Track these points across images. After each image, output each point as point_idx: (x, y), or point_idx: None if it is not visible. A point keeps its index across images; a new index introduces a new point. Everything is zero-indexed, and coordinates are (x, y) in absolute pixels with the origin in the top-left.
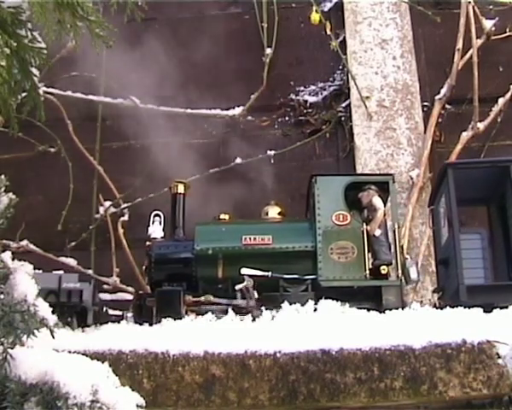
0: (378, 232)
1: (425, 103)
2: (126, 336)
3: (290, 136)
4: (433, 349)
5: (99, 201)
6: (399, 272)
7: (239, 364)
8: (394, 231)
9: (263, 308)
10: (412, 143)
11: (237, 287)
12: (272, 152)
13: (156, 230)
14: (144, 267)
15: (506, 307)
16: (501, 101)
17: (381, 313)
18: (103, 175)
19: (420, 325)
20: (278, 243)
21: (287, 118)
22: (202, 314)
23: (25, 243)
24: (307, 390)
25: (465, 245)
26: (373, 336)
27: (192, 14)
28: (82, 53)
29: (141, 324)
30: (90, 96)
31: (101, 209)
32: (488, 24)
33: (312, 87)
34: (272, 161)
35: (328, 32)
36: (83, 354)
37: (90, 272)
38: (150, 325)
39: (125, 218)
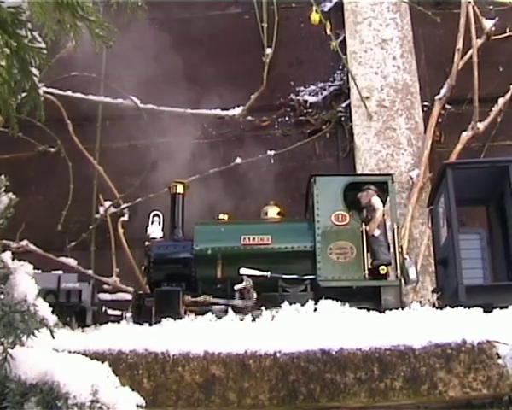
0: (377, 232)
1: (425, 103)
2: (126, 336)
3: (290, 136)
4: (433, 349)
5: (99, 201)
6: (398, 272)
7: (239, 364)
8: (393, 231)
9: (262, 308)
10: (412, 143)
11: (236, 287)
12: (272, 152)
13: (155, 230)
14: (143, 267)
15: (505, 308)
16: (501, 101)
17: (379, 313)
18: (103, 175)
19: (420, 325)
20: (277, 243)
21: (287, 118)
22: (202, 314)
23: (25, 243)
24: (307, 390)
25: (464, 245)
26: (373, 336)
27: (192, 14)
28: (82, 53)
29: (140, 324)
30: (90, 96)
31: (101, 209)
32: (488, 24)
33: (312, 87)
34: (272, 161)
35: (328, 32)
36: (83, 354)
37: (90, 272)
38: (149, 325)
39: (125, 218)
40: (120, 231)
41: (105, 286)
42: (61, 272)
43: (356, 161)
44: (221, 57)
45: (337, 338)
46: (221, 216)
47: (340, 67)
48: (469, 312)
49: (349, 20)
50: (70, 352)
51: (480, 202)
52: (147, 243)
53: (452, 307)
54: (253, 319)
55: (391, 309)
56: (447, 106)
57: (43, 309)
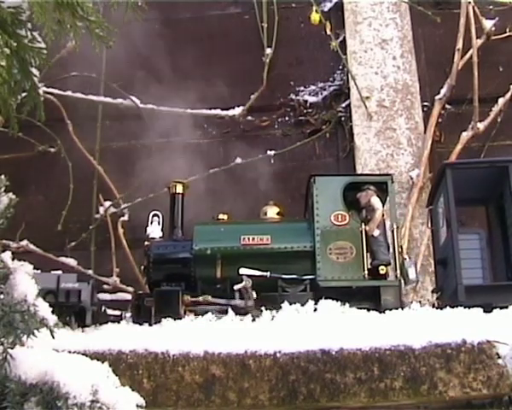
0: (377, 232)
1: (425, 103)
2: (126, 336)
3: (290, 136)
4: (433, 349)
5: (99, 201)
6: (398, 272)
7: (239, 364)
8: (393, 232)
9: (262, 308)
10: (412, 143)
11: (236, 287)
12: (272, 152)
13: (155, 230)
14: (143, 267)
15: (505, 308)
16: (501, 101)
17: (379, 313)
18: (103, 175)
19: (420, 325)
20: (277, 243)
21: (287, 118)
22: (201, 314)
23: (25, 243)
24: (307, 390)
25: (463, 245)
26: (373, 336)
27: (192, 14)
28: (82, 52)
29: (140, 324)
30: (90, 96)
31: (101, 209)
32: (488, 24)
33: (312, 87)
34: (272, 161)
35: (328, 32)
36: (83, 354)
37: (90, 272)
38: (149, 325)
39: (125, 218)
40: (120, 231)
41: (105, 286)
42: (60, 272)
43: (356, 161)
44: (221, 57)
45: (337, 338)
46: (220, 216)
47: (340, 67)
48: (469, 312)
49: (349, 20)
50: (70, 352)
51: (479, 202)
52: (146, 242)
53: (452, 307)
54: (253, 319)
55: (391, 309)
56: (447, 106)
57: (43, 309)
